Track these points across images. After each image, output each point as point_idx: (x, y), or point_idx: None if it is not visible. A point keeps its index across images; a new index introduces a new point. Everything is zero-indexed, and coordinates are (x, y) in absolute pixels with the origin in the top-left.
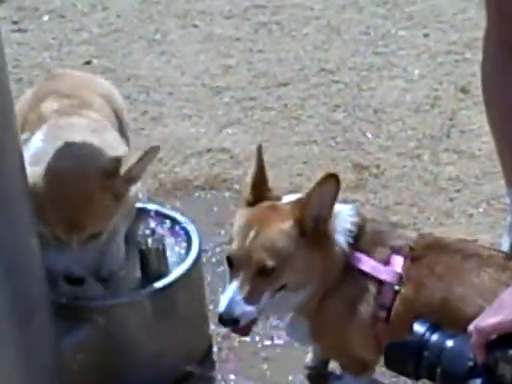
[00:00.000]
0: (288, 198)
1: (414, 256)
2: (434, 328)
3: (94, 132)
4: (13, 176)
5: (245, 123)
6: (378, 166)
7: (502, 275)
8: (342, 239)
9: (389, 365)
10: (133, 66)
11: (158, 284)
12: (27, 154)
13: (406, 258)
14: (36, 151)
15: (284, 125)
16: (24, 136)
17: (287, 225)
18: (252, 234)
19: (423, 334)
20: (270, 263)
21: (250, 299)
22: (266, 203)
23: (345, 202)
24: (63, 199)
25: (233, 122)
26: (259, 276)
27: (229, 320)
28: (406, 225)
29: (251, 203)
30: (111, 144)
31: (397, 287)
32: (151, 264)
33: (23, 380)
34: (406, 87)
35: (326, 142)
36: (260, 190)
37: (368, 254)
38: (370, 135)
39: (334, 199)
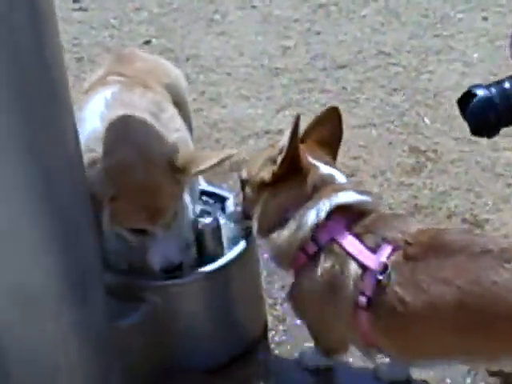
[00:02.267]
0: (326, 168)
1: (409, 253)
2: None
3: (154, 115)
4: (68, 155)
5: (302, 105)
6: (435, 151)
7: None
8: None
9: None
10: (192, 46)
11: (214, 264)
12: (84, 126)
13: (395, 250)
14: (94, 132)
15: (341, 107)
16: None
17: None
18: None
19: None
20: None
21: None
22: None
23: (402, 185)
24: (137, 191)
25: (290, 103)
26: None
27: None
28: (463, 210)
29: (279, 176)
30: (172, 127)
31: (380, 277)
32: (207, 244)
33: (77, 357)
34: (465, 71)
35: (384, 125)
36: (291, 165)
37: (359, 237)
38: (427, 119)
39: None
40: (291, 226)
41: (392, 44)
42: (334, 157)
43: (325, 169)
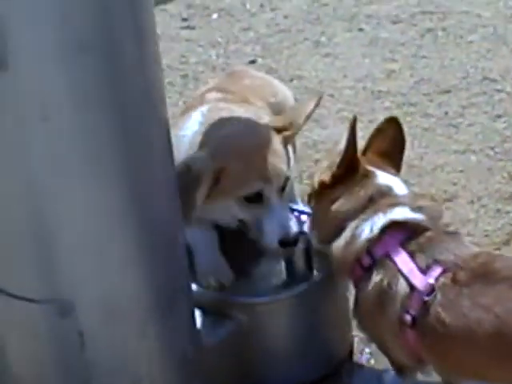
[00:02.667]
0: (384, 177)
1: (457, 277)
2: None
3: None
4: (161, 169)
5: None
6: None
7: None
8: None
9: None
10: (296, 66)
11: (303, 285)
12: (184, 134)
13: (444, 272)
14: (193, 135)
15: (443, 132)
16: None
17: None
18: None
19: None
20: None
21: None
22: None
23: (499, 212)
24: (248, 155)
25: None
26: None
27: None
28: None
29: (337, 178)
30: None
31: (426, 298)
32: (296, 263)
33: (160, 371)
34: None
35: (484, 151)
36: (349, 166)
37: (412, 256)
38: None
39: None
40: (347, 236)
41: (498, 70)
42: (398, 167)
43: (383, 178)
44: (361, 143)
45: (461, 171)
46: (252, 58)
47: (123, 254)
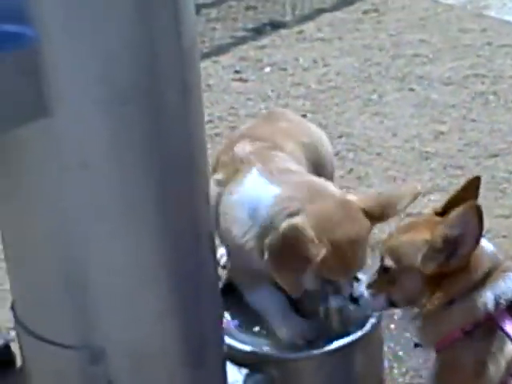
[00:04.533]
0: (487, 245)
1: None
2: None
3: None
4: (199, 223)
5: (449, 191)
6: None
7: None
8: (490, 300)
9: None
10: (345, 123)
11: (337, 343)
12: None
13: None
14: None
15: (488, 196)
16: (218, 176)
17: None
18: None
19: None
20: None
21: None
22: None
23: None
24: (347, 247)
25: (437, 188)
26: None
27: None
28: None
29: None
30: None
31: None
32: (331, 322)
33: None
34: None
35: None
36: None
37: None
38: None
39: (475, 230)
40: (459, 308)
41: None
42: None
43: (487, 246)
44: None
45: (504, 236)
46: (302, 113)
47: (156, 305)
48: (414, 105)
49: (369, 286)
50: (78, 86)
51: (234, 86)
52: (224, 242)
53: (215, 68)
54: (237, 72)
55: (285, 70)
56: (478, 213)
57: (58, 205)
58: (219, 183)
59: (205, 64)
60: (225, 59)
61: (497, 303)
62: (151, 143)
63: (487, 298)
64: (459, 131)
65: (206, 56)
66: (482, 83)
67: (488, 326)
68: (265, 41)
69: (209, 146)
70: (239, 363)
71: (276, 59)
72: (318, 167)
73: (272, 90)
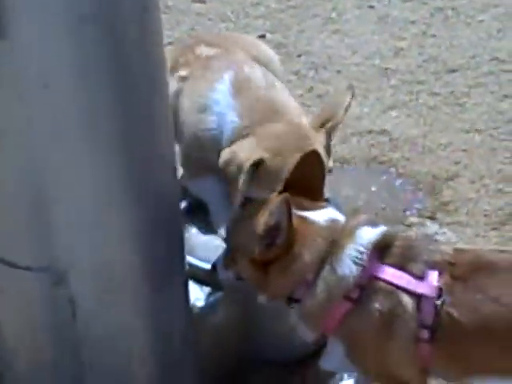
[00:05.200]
0: (326, 214)
1: (456, 274)
2: None
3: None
4: (161, 142)
5: (409, 107)
6: None
7: None
8: (351, 259)
9: None
10: (305, 42)
11: None
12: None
13: (441, 273)
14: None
15: (448, 111)
16: (182, 73)
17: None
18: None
19: None
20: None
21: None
22: None
23: (500, 192)
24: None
25: (398, 104)
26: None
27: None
28: None
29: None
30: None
31: (438, 302)
32: None
33: (152, 345)
34: None
35: (489, 131)
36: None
37: (401, 268)
38: None
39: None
40: (325, 285)
41: (507, 50)
42: (321, 197)
43: (325, 215)
44: (366, 118)
45: (464, 150)
46: (261, 33)
47: (120, 226)
48: (373, 22)
49: (223, 258)
50: (33, 6)
51: (194, 8)
52: (180, 135)
53: None
54: None
55: None
56: (287, 205)
57: (21, 126)
58: (182, 79)
59: None
60: None
61: (360, 258)
62: (111, 63)
63: (343, 261)
64: (419, 47)
65: None
66: None
67: (374, 285)
68: None
69: None
70: (201, 281)
71: None
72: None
73: (231, 11)
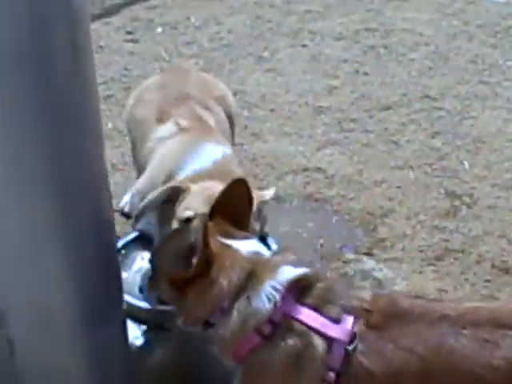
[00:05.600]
0: (248, 246)
1: (371, 322)
2: None
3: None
4: (92, 181)
5: (343, 144)
6: (471, 195)
7: (480, 332)
8: (265, 296)
9: None
10: (239, 81)
11: None
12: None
13: (357, 319)
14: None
15: (382, 148)
16: (183, 123)
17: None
18: None
19: None
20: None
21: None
22: None
23: (435, 228)
24: None
25: (331, 142)
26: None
27: None
28: (493, 256)
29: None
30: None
31: (350, 347)
32: None
33: (90, 380)
34: (509, 118)
35: (422, 167)
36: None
37: (317, 310)
38: (466, 164)
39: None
40: (238, 317)
41: (438, 88)
42: (246, 227)
43: (249, 246)
44: (301, 156)
45: (398, 187)
46: None
47: (54, 265)
48: (306, 60)
49: (148, 280)
50: None
51: (127, 47)
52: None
53: (106, 29)
54: (128, 33)
55: (176, 29)
56: (205, 225)
57: None
58: (181, 130)
59: (95, 25)
60: (116, 20)
61: (274, 296)
62: (43, 103)
63: (259, 296)
64: (351, 85)
65: (96, 17)
66: (373, 37)
67: (287, 324)
68: (155, 1)
69: (103, 107)
70: (139, 319)
71: (168, 19)
72: (229, 117)
73: (165, 50)
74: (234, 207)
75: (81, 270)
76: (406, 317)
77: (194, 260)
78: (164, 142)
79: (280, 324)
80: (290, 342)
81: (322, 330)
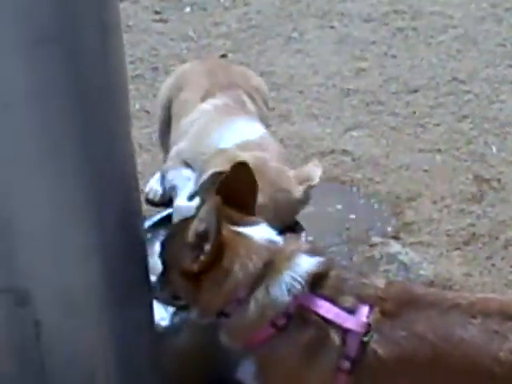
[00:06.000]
0: (262, 233)
1: (385, 310)
2: None
3: None
4: (122, 163)
5: (371, 127)
6: (498, 180)
7: (490, 323)
8: (284, 287)
9: None
10: (267, 62)
11: None
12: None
13: (372, 308)
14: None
15: (409, 131)
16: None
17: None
18: None
19: None
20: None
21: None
22: None
23: (462, 212)
24: None
25: (359, 125)
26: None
27: None
28: None
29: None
30: None
31: (365, 338)
32: None
33: (116, 362)
34: None
35: (450, 151)
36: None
37: (332, 301)
38: (494, 148)
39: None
40: (256, 305)
41: (466, 71)
42: (253, 212)
43: (260, 234)
44: (328, 138)
45: (425, 171)
46: (223, 53)
47: (81, 245)
48: (334, 42)
49: (158, 279)
50: None
51: (155, 27)
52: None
53: (135, 9)
54: (157, 12)
55: (205, 9)
56: (217, 209)
57: None
58: (226, 106)
59: (124, 5)
60: (144, 0)
61: (295, 287)
62: (71, 84)
63: (279, 286)
64: (380, 67)
65: None
66: (402, 19)
67: (302, 315)
68: None
69: (131, 87)
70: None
71: None
72: (265, 104)
73: (193, 31)
74: (239, 192)
75: (107, 250)
76: (418, 304)
77: (207, 247)
78: (209, 113)
79: (295, 315)
80: (305, 333)
81: (338, 321)
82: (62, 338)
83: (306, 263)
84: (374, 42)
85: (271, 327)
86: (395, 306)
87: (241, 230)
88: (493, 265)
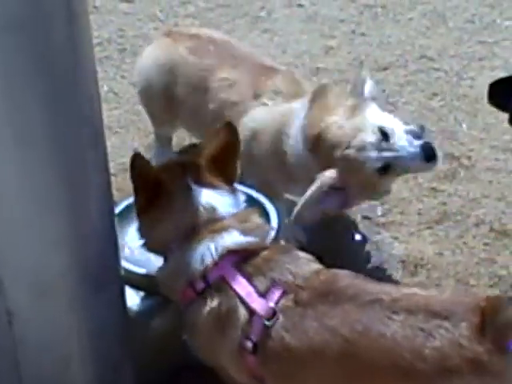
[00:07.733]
0: (207, 196)
1: (300, 298)
2: None
3: None
4: (91, 147)
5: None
6: (469, 158)
7: (414, 320)
8: (205, 253)
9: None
10: None
11: None
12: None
13: (285, 293)
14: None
15: None
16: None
17: None
18: None
19: None
20: None
21: None
22: None
23: (433, 190)
24: None
25: None
26: None
27: None
28: (492, 219)
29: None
30: None
31: (267, 322)
32: None
33: (90, 347)
34: None
35: None
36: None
37: (249, 278)
38: (464, 125)
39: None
40: (172, 266)
41: (436, 48)
42: (232, 173)
43: (205, 197)
44: None
45: None
46: None
47: (52, 231)
48: (302, 20)
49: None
50: None
51: (122, 7)
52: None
53: None
54: None
55: None
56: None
57: None
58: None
59: None
60: None
61: (207, 258)
62: (39, 68)
63: (193, 252)
64: (349, 45)
65: None
66: None
67: (219, 286)
68: None
69: (98, 69)
70: (136, 286)
71: None
72: None
73: (160, 11)
74: (222, 153)
75: (78, 235)
76: (337, 297)
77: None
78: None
79: (213, 285)
80: (216, 302)
81: (247, 300)
82: (35, 325)
83: (231, 239)
84: (342, 20)
85: (191, 288)
86: (311, 296)
87: (197, 188)
88: (464, 243)
